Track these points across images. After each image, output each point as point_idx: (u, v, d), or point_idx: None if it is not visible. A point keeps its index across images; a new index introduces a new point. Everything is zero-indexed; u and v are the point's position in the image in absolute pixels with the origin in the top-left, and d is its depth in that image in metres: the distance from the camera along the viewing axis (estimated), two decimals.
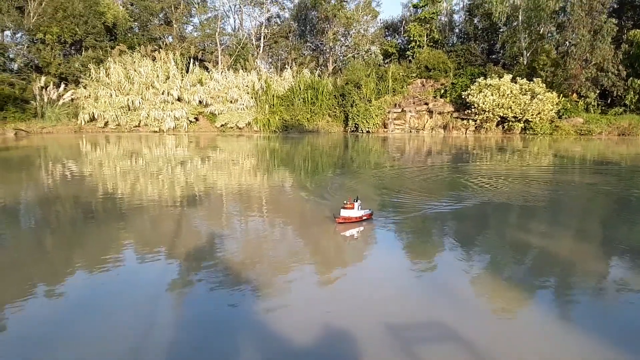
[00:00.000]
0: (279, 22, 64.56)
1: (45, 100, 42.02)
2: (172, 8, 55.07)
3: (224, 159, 23.92)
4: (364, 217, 9.65)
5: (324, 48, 60.54)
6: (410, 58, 53.60)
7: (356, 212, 9.47)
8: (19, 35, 48.96)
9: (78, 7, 47.46)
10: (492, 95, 40.31)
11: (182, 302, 6.05)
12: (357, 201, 9.52)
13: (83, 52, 49.19)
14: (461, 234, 9.50)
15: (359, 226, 9.40)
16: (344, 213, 9.44)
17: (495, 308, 5.90)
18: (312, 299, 6.12)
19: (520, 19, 47.40)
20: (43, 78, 43.06)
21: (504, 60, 52.93)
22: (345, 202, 9.64)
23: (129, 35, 54.25)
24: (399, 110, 46.03)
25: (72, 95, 43.41)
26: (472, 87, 42.41)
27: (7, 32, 48.71)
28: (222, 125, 44.80)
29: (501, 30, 54.03)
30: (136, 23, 57.74)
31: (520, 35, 47.74)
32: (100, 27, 50.13)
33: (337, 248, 8.63)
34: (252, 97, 46.06)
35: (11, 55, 48.05)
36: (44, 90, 42.16)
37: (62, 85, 44.43)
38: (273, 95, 46.25)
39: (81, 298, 6.11)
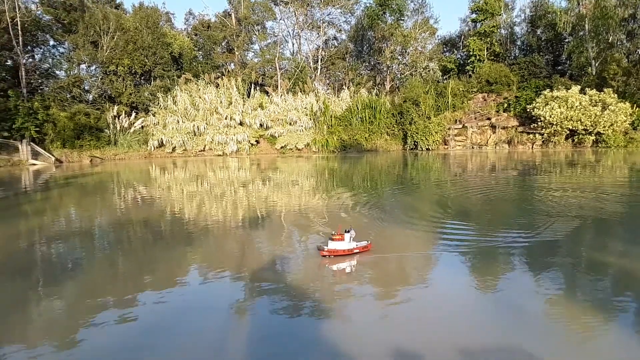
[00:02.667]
0: (336, 44, 65.55)
1: (118, 128, 44.72)
2: (234, 36, 57.28)
3: (284, 180, 24.30)
4: (356, 250, 8.73)
5: (381, 67, 60.66)
6: (470, 73, 52.68)
7: (346, 244, 8.61)
8: (93, 68, 52.58)
9: (147, 39, 50.43)
10: (559, 107, 38.70)
11: (247, 323, 6.14)
12: (348, 232, 8.68)
13: (152, 82, 52.07)
14: (540, 274, 7.82)
15: (351, 259, 8.57)
16: (331, 245, 8.59)
17: None
18: (371, 324, 6.05)
19: (587, 28, 45.47)
20: (115, 107, 45.90)
21: (570, 71, 50.83)
22: (333, 232, 8.81)
23: (194, 64, 56.85)
24: (460, 126, 45.13)
25: (142, 123, 46.00)
26: (537, 99, 40.95)
27: (83, 66, 52.51)
28: (281, 147, 45.71)
29: (566, 40, 52.12)
30: (200, 52, 60.50)
31: (587, 44, 45.73)
32: (168, 58, 52.91)
33: (399, 271, 8.46)
34: (310, 119, 46.77)
35: (86, 87, 51.60)
36: (116, 119, 44.94)
37: (133, 114, 47.19)
38: (331, 116, 46.77)
39: (150, 317, 6.37)
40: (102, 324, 6.16)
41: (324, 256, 8.62)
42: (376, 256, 8.81)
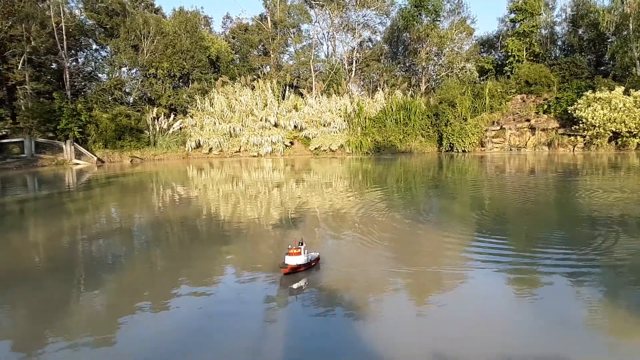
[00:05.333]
0: (371, 46, 65.29)
1: (157, 129, 45.93)
2: (270, 39, 57.87)
3: (318, 181, 24.38)
4: (313, 263, 8.23)
5: (417, 68, 60.07)
6: (508, 74, 51.52)
7: (303, 257, 7.95)
8: (134, 71, 54.22)
9: (186, 43, 51.62)
10: (602, 109, 37.41)
11: (284, 323, 6.23)
12: (302, 245, 8.00)
13: (190, 84, 53.23)
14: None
15: (307, 275, 7.95)
16: (291, 261, 7.83)
17: None
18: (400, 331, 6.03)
19: (631, 27, 43.80)
20: (155, 109, 47.18)
21: (614, 71, 48.97)
22: (289, 246, 8.08)
23: (231, 66, 57.78)
24: (498, 127, 44.21)
25: (180, 124, 47.10)
26: (579, 101, 39.67)
27: (124, 69, 54.19)
28: (315, 149, 45.90)
29: (610, 40, 50.35)
30: (237, 55, 61.40)
31: (632, 44, 44.03)
32: (205, 61, 53.98)
33: (435, 276, 8.35)
34: (344, 120, 46.79)
35: (127, 90, 53.20)
36: (155, 120, 46.15)
37: (172, 116, 48.34)
38: (365, 118, 46.65)
39: (187, 316, 6.55)
40: (140, 319, 6.37)
41: (287, 274, 7.89)
42: (409, 270, 8.43)
